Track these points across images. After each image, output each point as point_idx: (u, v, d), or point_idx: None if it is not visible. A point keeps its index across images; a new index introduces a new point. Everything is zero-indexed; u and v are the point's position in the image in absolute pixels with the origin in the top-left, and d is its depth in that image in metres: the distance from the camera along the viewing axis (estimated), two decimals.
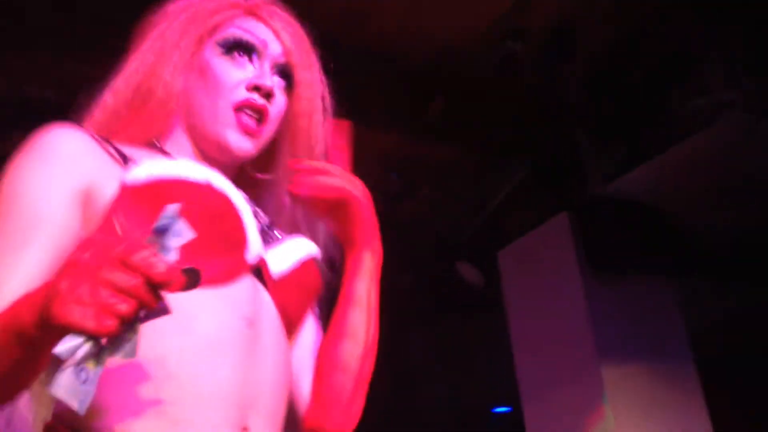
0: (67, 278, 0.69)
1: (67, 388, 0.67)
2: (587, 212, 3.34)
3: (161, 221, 0.71)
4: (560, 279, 3.41)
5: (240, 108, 1.04)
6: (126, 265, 0.67)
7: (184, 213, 0.85)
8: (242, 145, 1.05)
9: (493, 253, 3.73)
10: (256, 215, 1.07)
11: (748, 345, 4.81)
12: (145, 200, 0.91)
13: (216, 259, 0.94)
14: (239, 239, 0.98)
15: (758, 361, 4.85)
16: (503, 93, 2.94)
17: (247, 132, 1.05)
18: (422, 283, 4.23)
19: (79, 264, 0.70)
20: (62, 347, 0.67)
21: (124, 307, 0.67)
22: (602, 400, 3.14)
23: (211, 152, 1.07)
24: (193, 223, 0.84)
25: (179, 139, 1.09)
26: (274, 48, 1.09)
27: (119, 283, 0.67)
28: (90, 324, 0.66)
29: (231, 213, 0.97)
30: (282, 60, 1.09)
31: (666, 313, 3.50)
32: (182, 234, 0.72)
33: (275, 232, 1.11)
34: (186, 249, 0.73)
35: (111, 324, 0.67)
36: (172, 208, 0.72)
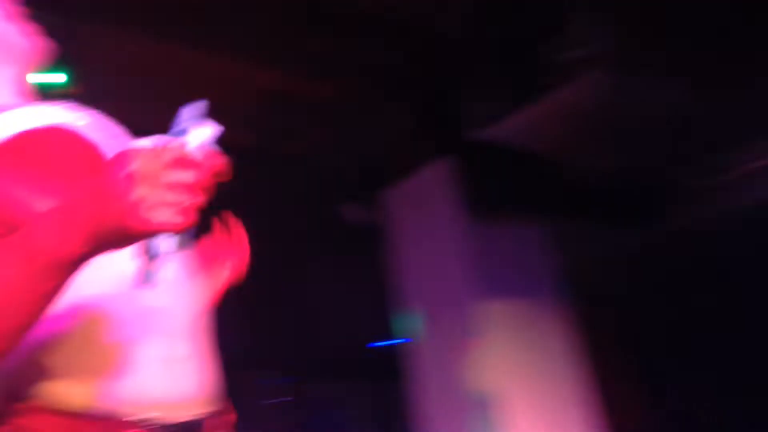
0: (129, 190, 0.72)
1: (158, 281, 0.76)
2: (468, 156, 3.44)
3: (180, 125, 0.79)
4: (441, 220, 3.53)
5: None
6: (184, 164, 0.74)
7: (54, 157, 0.92)
8: None
9: (378, 194, 3.80)
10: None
11: (619, 283, 5.16)
12: (13, 155, 0.91)
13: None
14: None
15: (626, 298, 5.23)
16: (386, 34, 2.95)
17: None
18: (307, 222, 4.27)
19: (133, 176, 0.73)
20: (157, 247, 0.75)
21: (198, 198, 0.74)
22: (479, 333, 3.29)
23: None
24: (64, 164, 0.91)
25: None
26: None
27: (186, 181, 0.74)
28: (177, 220, 0.72)
29: (93, 148, 1.00)
30: None
31: (540, 253, 3.69)
32: (205, 131, 0.80)
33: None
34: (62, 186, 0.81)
35: (193, 215, 0.74)
36: (191, 110, 0.80)
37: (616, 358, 4.87)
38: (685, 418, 4.89)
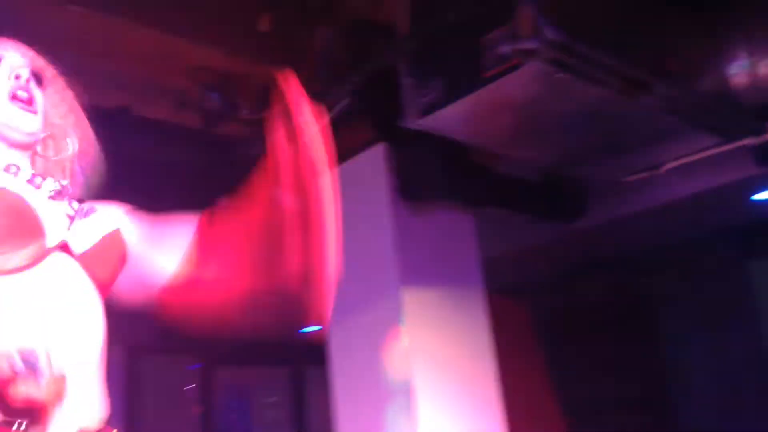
0: None
1: None
2: (403, 144, 3.47)
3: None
4: (372, 207, 3.54)
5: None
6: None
7: None
8: None
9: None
10: (61, 196, 1.34)
11: (539, 271, 5.30)
12: None
13: (20, 247, 1.18)
14: (37, 230, 1.23)
15: (544, 287, 5.39)
16: (328, 19, 2.94)
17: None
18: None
19: None
20: None
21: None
22: (400, 321, 3.34)
23: None
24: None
25: None
26: None
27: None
28: None
29: (27, 210, 1.23)
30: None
31: (464, 243, 3.75)
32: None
33: (85, 206, 1.38)
34: None
35: None
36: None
37: (528, 349, 5.00)
38: (590, 411, 5.07)
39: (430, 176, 3.59)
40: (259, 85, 3.24)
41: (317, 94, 3.46)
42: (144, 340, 5.44)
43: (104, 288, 1.35)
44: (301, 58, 3.01)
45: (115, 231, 1.40)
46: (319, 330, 3.62)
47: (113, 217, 1.42)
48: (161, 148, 3.21)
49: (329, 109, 3.33)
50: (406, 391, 3.26)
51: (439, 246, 3.63)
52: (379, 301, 3.44)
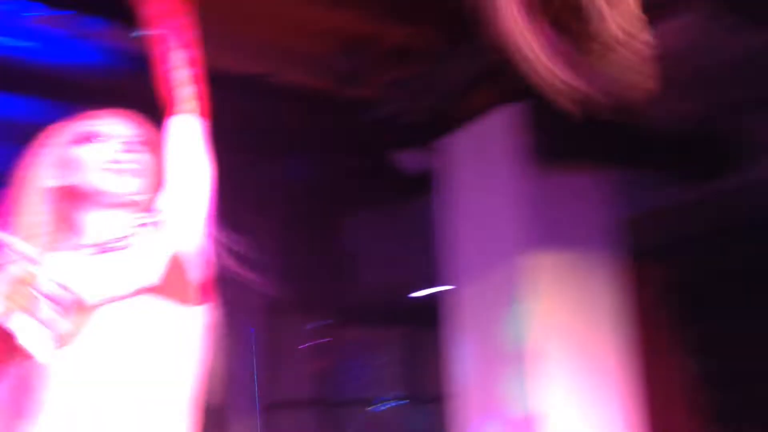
0: None
1: None
2: (533, 103, 3.31)
3: None
4: (500, 169, 3.46)
5: None
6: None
7: None
8: None
9: (438, 140, 3.72)
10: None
11: (679, 233, 4.99)
12: None
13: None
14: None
15: (686, 250, 5.07)
16: None
17: None
18: (365, 166, 4.23)
19: None
20: None
21: None
22: (525, 285, 3.26)
23: None
24: None
25: None
26: None
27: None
28: None
29: None
30: None
31: (599, 206, 3.58)
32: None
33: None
34: None
35: None
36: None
37: (666, 320, 4.74)
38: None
39: (563, 136, 3.44)
40: (386, 47, 3.18)
41: (446, 56, 3.36)
42: (278, 300, 5.63)
43: (181, 297, 1.33)
44: (432, 18, 2.92)
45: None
46: (443, 292, 3.61)
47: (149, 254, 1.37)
48: (294, 112, 3.23)
49: (460, 68, 3.22)
50: (527, 360, 3.19)
51: (571, 209, 3.50)
52: (504, 266, 3.37)
